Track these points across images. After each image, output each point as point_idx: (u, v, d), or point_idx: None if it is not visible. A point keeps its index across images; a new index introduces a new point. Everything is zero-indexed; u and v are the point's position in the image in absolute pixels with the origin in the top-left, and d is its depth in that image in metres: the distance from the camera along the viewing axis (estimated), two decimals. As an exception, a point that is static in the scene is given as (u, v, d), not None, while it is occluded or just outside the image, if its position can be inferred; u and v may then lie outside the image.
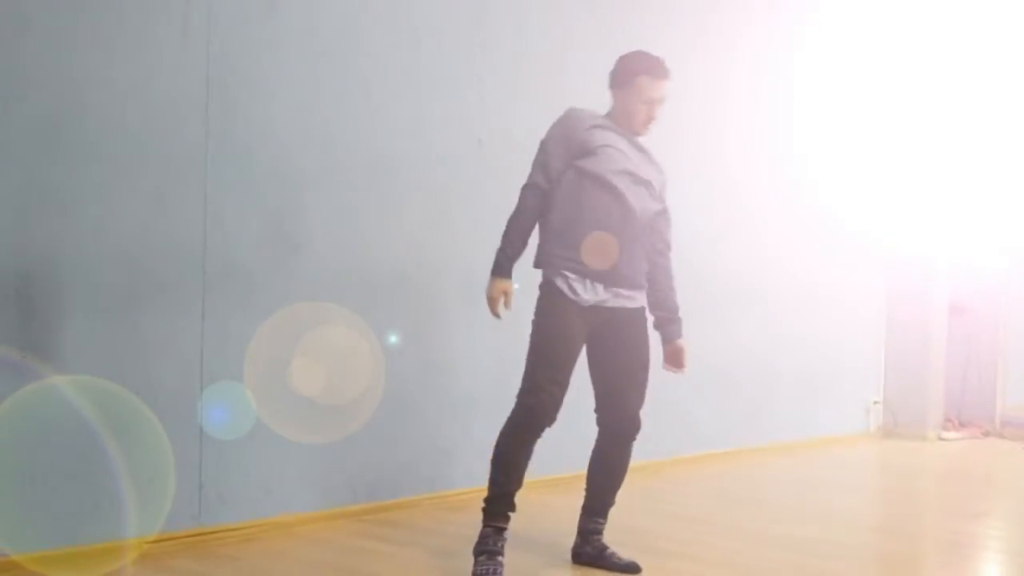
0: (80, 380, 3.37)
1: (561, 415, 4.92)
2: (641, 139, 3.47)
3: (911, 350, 7.17)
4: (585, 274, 3.32)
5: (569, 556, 3.59)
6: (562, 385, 3.31)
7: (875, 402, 7.25)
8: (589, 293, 3.33)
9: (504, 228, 3.40)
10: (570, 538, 3.60)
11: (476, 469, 4.62)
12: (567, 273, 3.32)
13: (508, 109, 4.77)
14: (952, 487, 5.79)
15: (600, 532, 3.56)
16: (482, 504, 3.36)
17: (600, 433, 3.51)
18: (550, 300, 3.35)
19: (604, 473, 3.54)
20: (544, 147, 3.40)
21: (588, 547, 3.54)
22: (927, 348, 7.14)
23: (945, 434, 7.13)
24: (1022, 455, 6.52)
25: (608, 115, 3.45)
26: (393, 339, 4.28)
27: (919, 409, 7.14)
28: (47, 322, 3.34)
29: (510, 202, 3.46)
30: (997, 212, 7.65)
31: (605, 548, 3.53)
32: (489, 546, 3.29)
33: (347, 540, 3.81)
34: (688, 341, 3.59)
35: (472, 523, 4.07)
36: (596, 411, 3.50)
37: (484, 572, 3.23)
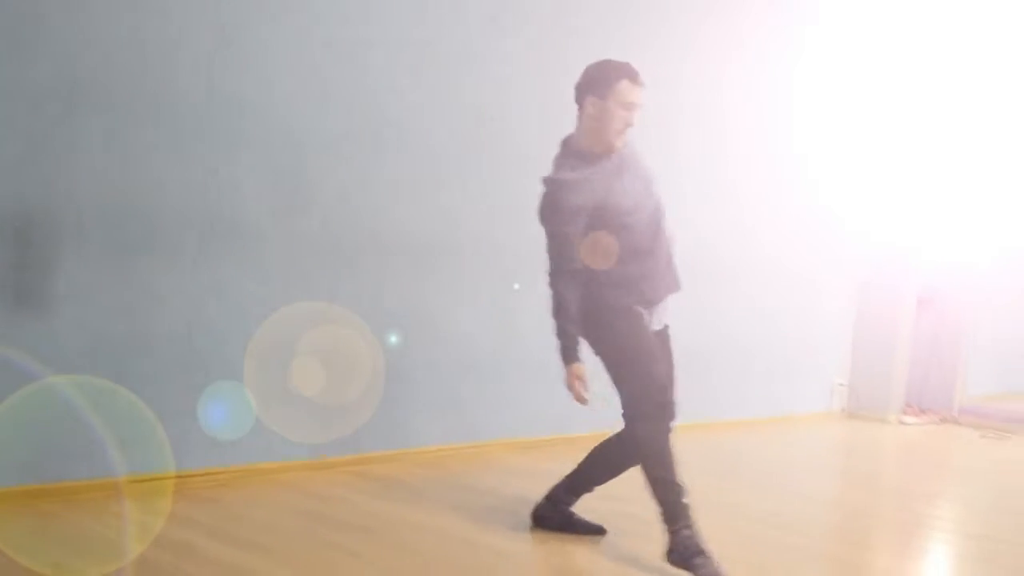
0: (79, 322, 3.47)
1: (529, 383, 5.03)
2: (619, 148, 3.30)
3: (878, 335, 7.33)
4: (646, 305, 3.37)
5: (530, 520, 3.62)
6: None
7: (840, 383, 7.42)
8: (651, 322, 3.41)
9: (556, 324, 3.24)
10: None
11: (455, 427, 4.76)
12: (637, 308, 3.36)
13: (516, 85, 4.86)
14: (909, 469, 5.98)
15: (571, 504, 3.61)
16: (671, 513, 3.26)
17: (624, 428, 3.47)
18: (628, 318, 3.33)
19: (604, 457, 3.55)
20: (554, 237, 3.24)
21: (555, 513, 3.59)
22: (894, 334, 7.30)
23: (905, 418, 7.32)
24: (977, 442, 6.72)
25: (573, 143, 3.33)
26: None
27: (882, 393, 7.32)
28: (43, 264, 3.42)
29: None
30: (973, 207, 7.82)
31: (572, 515, 3.59)
32: (702, 545, 3.23)
33: (324, 489, 3.93)
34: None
35: (444, 478, 4.20)
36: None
37: (715, 572, 3.17)
